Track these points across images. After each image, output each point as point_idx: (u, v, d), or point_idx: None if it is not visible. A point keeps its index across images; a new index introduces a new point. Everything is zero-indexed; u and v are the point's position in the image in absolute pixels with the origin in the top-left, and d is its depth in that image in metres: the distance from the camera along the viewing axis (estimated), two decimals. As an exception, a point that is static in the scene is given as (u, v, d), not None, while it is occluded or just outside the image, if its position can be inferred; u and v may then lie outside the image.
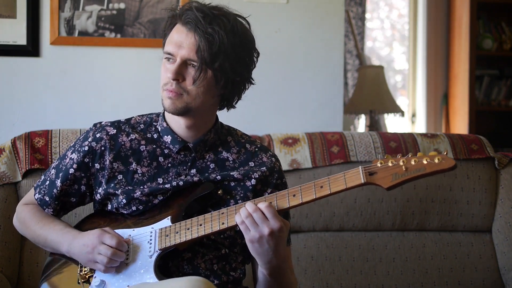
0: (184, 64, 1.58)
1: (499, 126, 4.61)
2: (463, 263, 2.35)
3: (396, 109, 4.04)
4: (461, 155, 2.38)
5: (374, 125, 4.11)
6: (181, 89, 1.59)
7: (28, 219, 1.74)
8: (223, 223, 1.53)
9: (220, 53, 1.57)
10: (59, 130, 2.27)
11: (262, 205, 1.49)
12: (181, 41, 1.57)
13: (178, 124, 1.66)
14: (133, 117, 1.76)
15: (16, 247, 2.15)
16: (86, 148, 1.69)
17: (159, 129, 1.70)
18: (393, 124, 4.89)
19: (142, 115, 1.76)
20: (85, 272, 1.63)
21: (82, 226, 1.72)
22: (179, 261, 1.61)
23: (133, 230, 1.62)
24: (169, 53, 1.59)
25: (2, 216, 2.13)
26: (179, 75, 1.58)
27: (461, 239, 2.39)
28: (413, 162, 1.41)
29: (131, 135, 1.69)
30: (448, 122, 4.68)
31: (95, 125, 1.74)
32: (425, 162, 1.40)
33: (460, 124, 4.47)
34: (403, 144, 2.38)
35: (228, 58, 1.58)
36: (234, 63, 1.60)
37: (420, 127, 4.84)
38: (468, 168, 2.38)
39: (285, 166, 2.30)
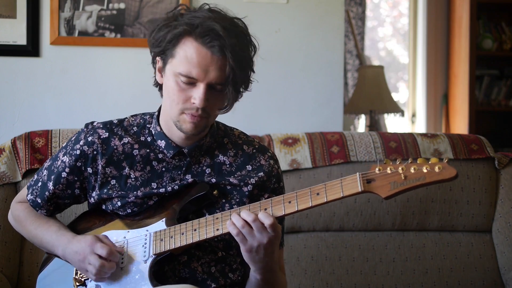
0: (208, 87, 1.51)
1: (499, 126, 4.60)
2: (463, 263, 2.35)
3: (396, 109, 4.04)
4: (461, 155, 2.38)
5: (374, 125, 4.11)
6: (206, 113, 1.54)
7: (23, 218, 1.73)
8: (217, 229, 1.50)
9: (246, 74, 1.55)
10: (59, 130, 2.27)
11: (261, 215, 1.45)
12: (206, 64, 1.49)
13: (178, 133, 1.60)
14: (126, 118, 1.70)
15: (16, 247, 2.15)
16: (78, 152, 1.65)
17: (153, 132, 1.65)
18: (393, 124, 4.89)
19: (135, 116, 1.71)
20: (81, 275, 1.62)
21: (77, 225, 1.70)
22: (175, 265, 1.59)
23: (128, 232, 1.60)
24: (191, 77, 1.50)
25: (2, 216, 2.13)
26: (207, 102, 1.51)
27: (461, 239, 2.39)
28: (412, 170, 1.35)
29: (124, 138, 1.64)
30: (448, 122, 4.68)
31: (86, 126, 1.69)
32: (425, 170, 1.34)
33: (460, 124, 4.47)
34: (403, 144, 2.38)
35: (249, 75, 1.57)
36: (250, 77, 1.59)
37: (420, 127, 4.83)
38: (468, 168, 2.38)
39: (285, 166, 2.30)
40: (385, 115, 4.40)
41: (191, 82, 1.50)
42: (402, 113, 4.11)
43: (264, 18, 2.67)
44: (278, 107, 2.71)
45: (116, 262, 1.55)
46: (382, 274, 2.31)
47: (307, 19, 2.72)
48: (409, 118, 4.93)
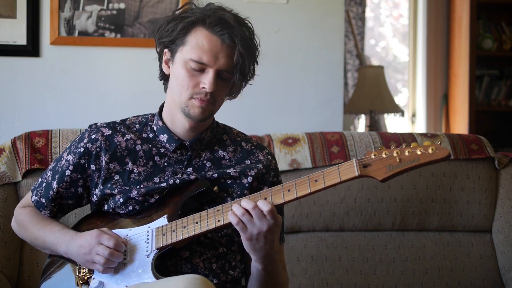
0: (216, 74, 1.59)
1: (499, 126, 4.60)
2: (463, 263, 2.35)
3: (396, 109, 4.05)
4: (461, 155, 2.38)
5: (374, 125, 4.11)
6: (213, 98, 1.61)
7: (26, 222, 1.75)
8: (219, 220, 1.53)
9: (253, 64, 1.65)
10: (59, 130, 2.27)
11: (260, 203, 1.48)
12: (217, 51, 1.58)
13: (181, 124, 1.66)
14: (128, 118, 1.76)
15: (16, 247, 2.15)
16: (82, 149, 1.69)
17: (155, 128, 1.70)
18: (393, 124, 4.89)
19: (137, 116, 1.76)
20: (84, 274, 1.63)
21: (79, 227, 1.72)
22: (178, 261, 1.61)
23: (130, 230, 1.63)
24: (202, 63, 1.58)
25: (2, 216, 2.13)
26: (215, 87, 1.59)
27: (461, 239, 2.39)
28: (407, 153, 1.40)
29: (127, 135, 1.69)
30: (448, 122, 4.68)
31: (90, 126, 1.73)
32: (419, 152, 1.39)
33: (460, 124, 4.47)
34: (403, 144, 2.38)
35: (254, 66, 1.67)
36: (254, 69, 1.68)
37: (420, 127, 4.83)
38: (468, 168, 2.38)
39: (285, 166, 2.30)
40: (385, 115, 4.40)
41: (201, 68, 1.59)
42: (402, 113, 4.11)
43: (264, 18, 2.67)
44: (278, 107, 2.72)
45: (122, 252, 1.58)
46: (382, 274, 2.31)
47: (307, 19, 2.72)
48: (409, 118, 4.93)
